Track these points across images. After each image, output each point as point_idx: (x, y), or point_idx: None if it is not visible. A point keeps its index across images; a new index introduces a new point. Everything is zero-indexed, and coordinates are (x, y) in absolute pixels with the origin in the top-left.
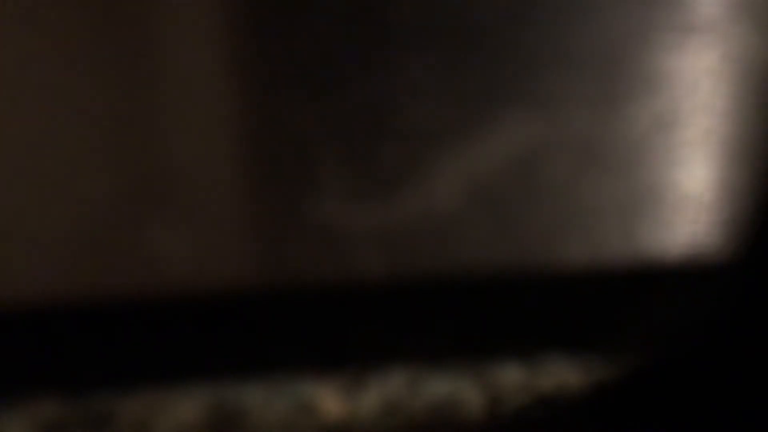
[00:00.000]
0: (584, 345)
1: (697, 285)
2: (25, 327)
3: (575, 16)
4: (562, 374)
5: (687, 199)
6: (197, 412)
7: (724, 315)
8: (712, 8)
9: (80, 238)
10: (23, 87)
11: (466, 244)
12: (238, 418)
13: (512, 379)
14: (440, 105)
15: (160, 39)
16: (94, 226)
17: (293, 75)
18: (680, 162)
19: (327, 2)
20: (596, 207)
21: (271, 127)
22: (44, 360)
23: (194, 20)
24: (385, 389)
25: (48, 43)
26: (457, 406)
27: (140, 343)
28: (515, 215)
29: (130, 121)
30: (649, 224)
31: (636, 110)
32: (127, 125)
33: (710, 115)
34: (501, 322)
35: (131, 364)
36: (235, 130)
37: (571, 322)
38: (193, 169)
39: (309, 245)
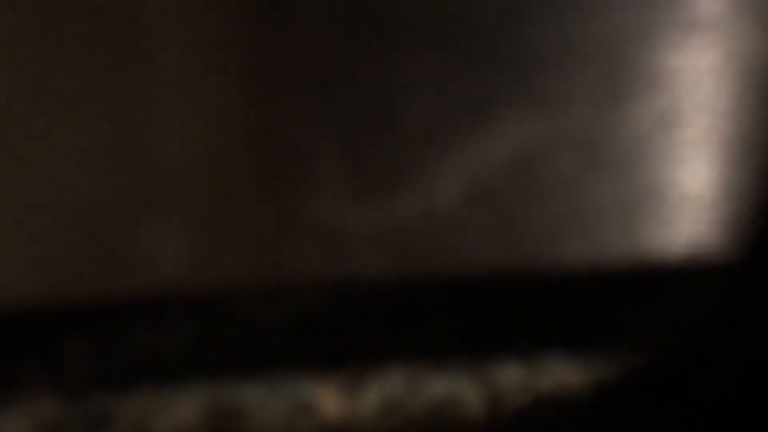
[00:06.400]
0: (584, 345)
1: (698, 285)
2: (25, 327)
3: (576, 14)
4: (562, 374)
5: (688, 199)
6: (197, 412)
7: (724, 315)
8: (714, 6)
9: (80, 238)
10: (21, 87)
11: (467, 244)
12: (237, 418)
13: (512, 379)
14: (440, 104)
15: (159, 38)
16: (93, 226)
17: (293, 74)
18: (682, 161)
19: (327, 1)
20: (597, 206)
21: (271, 126)
22: (44, 360)
23: (193, 19)
24: (384, 389)
25: (45, 41)
26: (457, 406)
27: (140, 343)
28: (515, 215)
29: (130, 121)
30: (650, 224)
31: (637, 109)
32: (126, 124)
33: (712, 113)
34: (501, 322)
35: (131, 364)
36: (235, 130)
37: (571, 322)
38: (192, 169)
39: (308, 245)
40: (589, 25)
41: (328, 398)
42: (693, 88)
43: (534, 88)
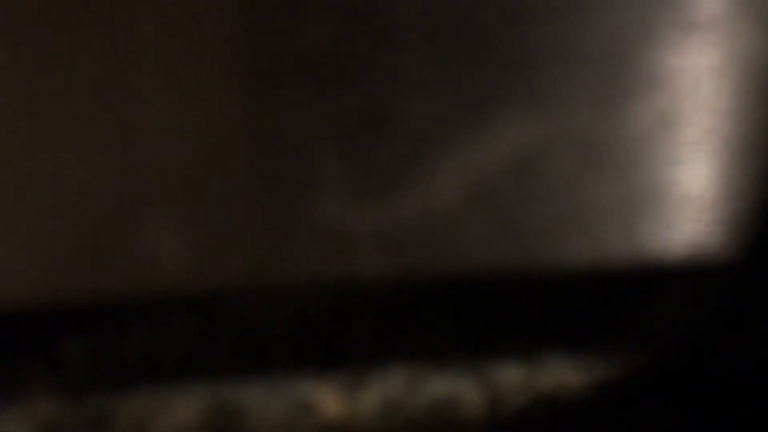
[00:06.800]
0: (584, 345)
1: (698, 285)
2: (25, 327)
3: (576, 14)
4: (562, 374)
5: (688, 199)
6: (197, 412)
7: (725, 315)
8: (715, 5)
9: (79, 238)
10: (20, 86)
11: (466, 244)
12: (238, 418)
13: (512, 379)
14: (440, 104)
15: (159, 38)
16: (93, 225)
17: (293, 74)
18: (682, 161)
19: (327, 1)
20: (597, 206)
21: (271, 126)
22: (44, 360)
23: (193, 18)
24: (384, 389)
25: (44, 41)
26: (457, 406)
27: (140, 343)
28: (515, 215)
29: (130, 121)
30: (650, 224)
31: (637, 109)
32: (126, 124)
33: (712, 113)
34: (501, 322)
35: (131, 364)
36: (235, 130)
37: (571, 322)
38: (192, 169)
39: (308, 245)
40: (589, 25)
41: (328, 398)
42: (693, 88)
43: (534, 88)
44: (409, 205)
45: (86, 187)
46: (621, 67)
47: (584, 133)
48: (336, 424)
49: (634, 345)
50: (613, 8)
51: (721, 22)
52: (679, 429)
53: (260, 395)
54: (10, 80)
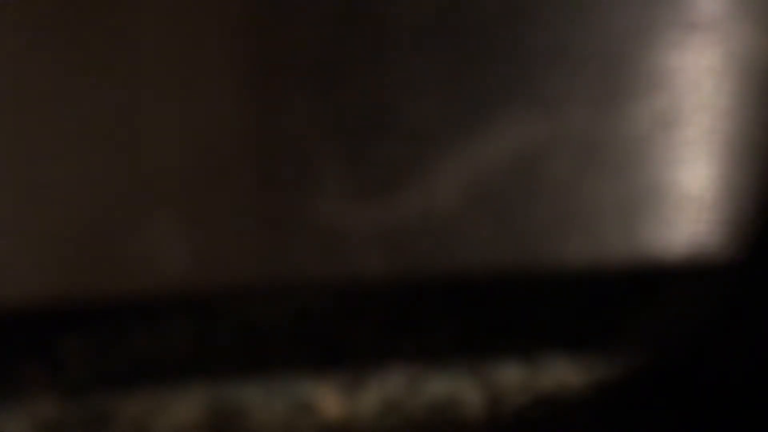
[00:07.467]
0: (584, 345)
1: (698, 285)
2: (25, 327)
3: (576, 14)
4: (562, 374)
5: (688, 199)
6: (197, 412)
7: (724, 315)
8: (715, 5)
9: (79, 237)
10: (19, 86)
11: (466, 244)
12: (237, 418)
13: (512, 379)
14: (440, 104)
15: (159, 37)
16: (93, 225)
17: (293, 74)
18: (682, 161)
19: (327, 1)
20: (597, 206)
21: (271, 126)
22: (44, 360)
23: (194, 18)
24: (384, 389)
25: (43, 40)
26: (457, 406)
27: (140, 343)
28: (515, 215)
29: (130, 121)
30: (650, 224)
31: (637, 109)
32: (126, 124)
33: (712, 113)
34: (501, 322)
35: (131, 364)
36: (235, 130)
37: (571, 322)
38: (192, 169)
39: (308, 245)
40: (589, 25)
41: (328, 398)
42: (693, 88)
43: (534, 88)
44: (409, 205)
45: (86, 188)
46: (621, 67)
47: (584, 133)
48: (336, 424)
49: (634, 345)
50: (613, 8)
51: (721, 22)
52: (679, 429)
53: (260, 395)
54: (11, 80)
